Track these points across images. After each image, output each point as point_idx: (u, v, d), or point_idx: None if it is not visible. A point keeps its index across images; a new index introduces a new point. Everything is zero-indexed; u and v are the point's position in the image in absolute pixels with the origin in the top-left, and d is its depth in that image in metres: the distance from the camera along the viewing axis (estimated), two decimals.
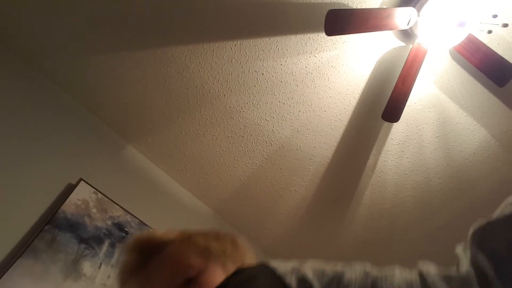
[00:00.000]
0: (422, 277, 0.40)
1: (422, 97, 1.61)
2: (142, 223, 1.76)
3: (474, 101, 1.60)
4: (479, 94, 1.57)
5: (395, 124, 1.71)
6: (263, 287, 0.41)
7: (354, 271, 0.43)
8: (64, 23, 1.54)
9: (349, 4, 1.36)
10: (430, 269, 0.41)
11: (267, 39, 1.51)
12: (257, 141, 1.86)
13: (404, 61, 1.42)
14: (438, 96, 1.60)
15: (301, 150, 1.87)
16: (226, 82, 1.66)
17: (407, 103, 1.55)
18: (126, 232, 1.70)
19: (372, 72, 1.57)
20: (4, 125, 1.54)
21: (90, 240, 1.57)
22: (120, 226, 1.69)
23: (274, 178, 2.01)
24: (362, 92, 1.63)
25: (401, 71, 1.40)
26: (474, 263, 0.38)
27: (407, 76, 1.40)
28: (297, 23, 1.45)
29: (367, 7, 1.36)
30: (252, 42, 1.52)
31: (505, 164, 1.77)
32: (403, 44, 1.48)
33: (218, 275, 0.52)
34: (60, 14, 1.51)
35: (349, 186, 2.00)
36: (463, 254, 0.41)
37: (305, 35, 1.48)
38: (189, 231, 0.62)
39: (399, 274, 0.42)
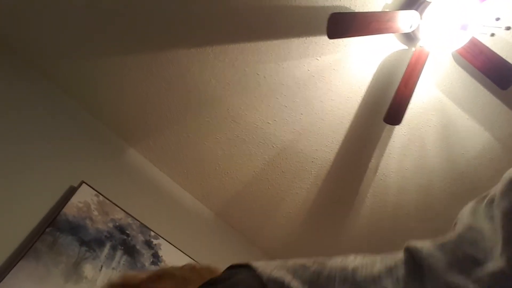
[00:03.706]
0: (410, 252, 0.36)
1: (424, 100, 1.60)
2: (143, 225, 1.76)
3: (476, 104, 1.59)
4: (481, 97, 1.57)
5: (397, 127, 1.70)
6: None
7: (335, 262, 0.41)
8: (66, 26, 1.55)
9: (351, 8, 1.36)
10: (421, 243, 0.36)
11: (269, 42, 1.51)
12: (259, 144, 1.86)
13: (407, 64, 1.42)
14: (440, 99, 1.59)
15: (303, 153, 1.87)
16: (228, 85, 1.66)
17: (409, 106, 1.55)
18: (128, 235, 1.69)
19: (374, 75, 1.56)
20: (5, 128, 1.54)
21: (92, 243, 1.57)
22: (121, 229, 1.68)
23: (275, 181, 2.00)
24: (364, 95, 1.62)
25: (404, 74, 1.40)
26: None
27: (409, 79, 1.39)
28: (299, 26, 1.45)
29: (370, 10, 1.36)
30: (254, 45, 1.52)
31: (509, 167, 1.75)
32: (406, 47, 1.47)
33: None
34: (63, 17, 1.52)
35: (351, 189, 1.99)
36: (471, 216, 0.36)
37: (307, 39, 1.48)
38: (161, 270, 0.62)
39: (380, 260, 0.39)
